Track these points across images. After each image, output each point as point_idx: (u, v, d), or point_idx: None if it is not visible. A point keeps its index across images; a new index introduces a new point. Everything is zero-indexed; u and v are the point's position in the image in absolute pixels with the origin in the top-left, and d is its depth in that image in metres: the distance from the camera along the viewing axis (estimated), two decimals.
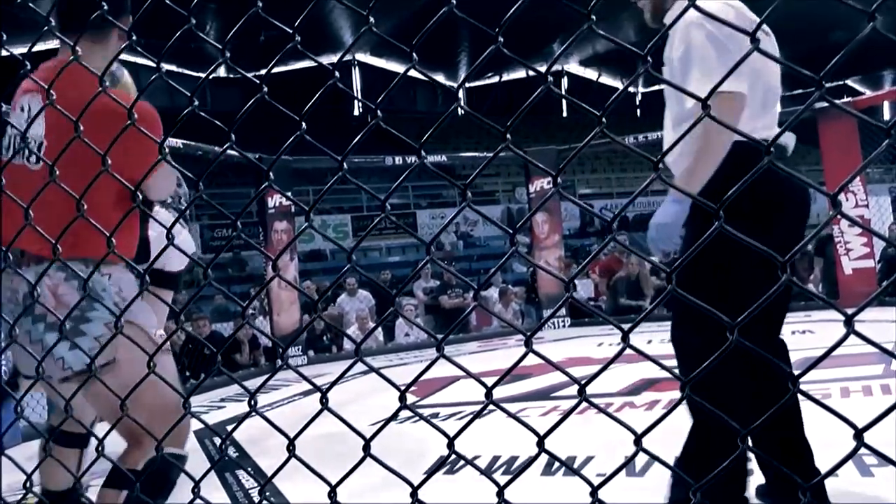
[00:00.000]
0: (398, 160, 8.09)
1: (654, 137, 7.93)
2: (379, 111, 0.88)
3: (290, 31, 0.96)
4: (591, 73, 24.30)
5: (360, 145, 0.97)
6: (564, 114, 24.51)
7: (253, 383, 6.16)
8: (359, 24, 16.98)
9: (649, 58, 0.77)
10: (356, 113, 22.39)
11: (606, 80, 24.25)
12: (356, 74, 22.72)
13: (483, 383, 0.85)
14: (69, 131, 1.26)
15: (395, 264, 13.09)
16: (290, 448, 0.95)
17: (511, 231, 0.86)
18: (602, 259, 9.00)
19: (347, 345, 7.71)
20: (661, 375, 4.12)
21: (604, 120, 0.77)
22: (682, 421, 1.56)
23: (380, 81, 21.57)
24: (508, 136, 0.81)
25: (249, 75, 1.21)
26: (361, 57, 21.78)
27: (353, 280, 8.66)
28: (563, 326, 8.15)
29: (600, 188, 18.74)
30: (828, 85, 0.66)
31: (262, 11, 0.99)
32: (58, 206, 1.32)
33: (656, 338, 6.28)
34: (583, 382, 0.81)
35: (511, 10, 0.81)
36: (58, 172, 1.28)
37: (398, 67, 20.94)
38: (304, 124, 0.95)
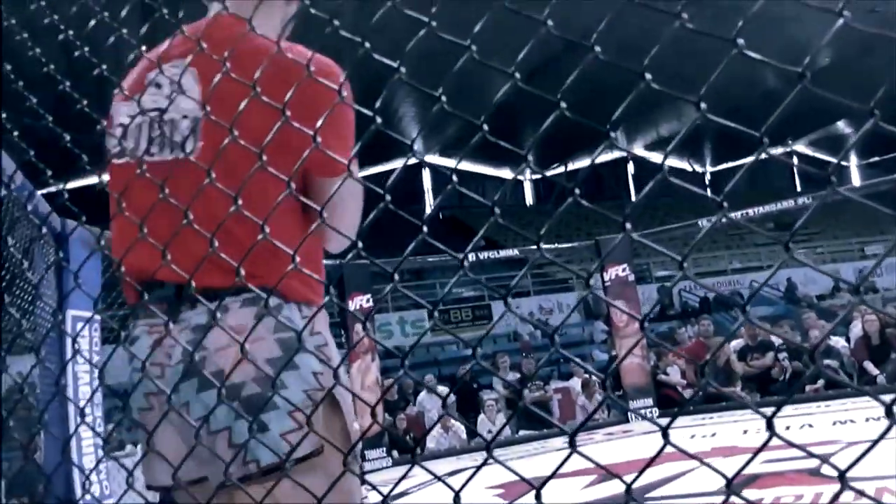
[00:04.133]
0: (471, 257, 8.26)
1: (724, 220, 7.80)
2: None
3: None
4: (656, 157, 24.36)
5: (435, 244, 1.02)
6: (633, 198, 24.45)
7: None
8: (427, 130, 17.77)
9: (702, 104, 0.78)
10: (427, 212, 23.03)
11: (672, 161, 24.24)
12: (426, 175, 23.55)
13: None
14: (236, 109, 1.00)
15: (472, 357, 13.01)
16: None
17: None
18: (687, 344, 8.72)
19: (430, 444, 7.63)
20: (763, 470, 3.89)
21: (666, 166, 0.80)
22: None
23: (449, 179, 22.34)
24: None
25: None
26: (431, 158, 22.62)
27: (431, 377, 8.66)
28: (652, 417, 7.84)
29: (677, 270, 18.33)
30: None
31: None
32: (218, 216, 1.00)
33: (752, 427, 5.96)
34: None
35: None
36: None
37: (467, 166, 21.63)
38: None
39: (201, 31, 1.15)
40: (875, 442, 0.66)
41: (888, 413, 0.64)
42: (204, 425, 1.01)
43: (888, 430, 0.64)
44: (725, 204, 0.73)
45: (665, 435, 0.75)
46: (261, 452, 1.00)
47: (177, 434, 1.06)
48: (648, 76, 0.78)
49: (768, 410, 0.70)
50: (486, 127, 0.87)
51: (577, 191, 0.81)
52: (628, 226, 0.78)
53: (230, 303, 1.05)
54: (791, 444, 0.68)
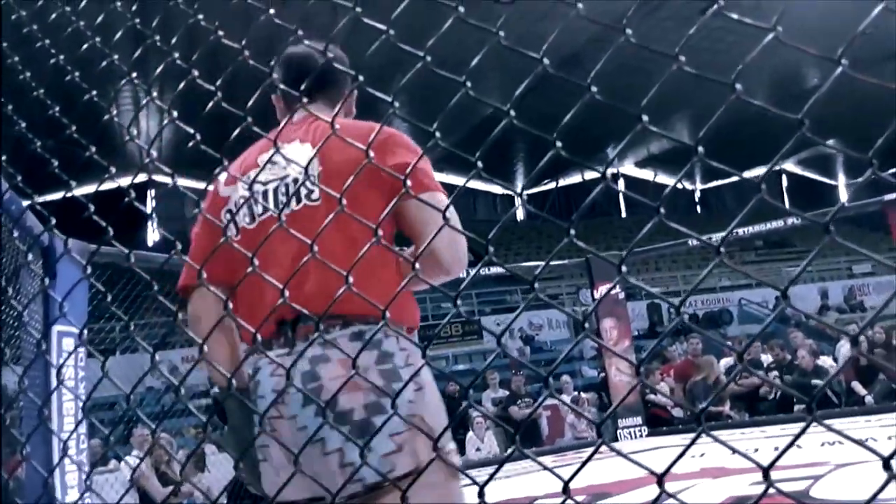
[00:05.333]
0: (461, 273, 8.23)
1: (717, 239, 7.85)
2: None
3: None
4: (647, 174, 24.48)
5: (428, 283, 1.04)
6: (623, 215, 24.56)
7: None
8: (423, 141, 17.77)
9: (700, 147, 0.78)
10: None
11: (663, 179, 24.37)
12: None
13: None
14: (344, 173, 1.21)
15: (462, 373, 12.96)
16: None
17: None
18: (676, 363, 8.73)
19: None
20: (751, 492, 3.88)
21: (662, 210, 0.80)
22: None
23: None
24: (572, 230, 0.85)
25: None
26: None
27: None
28: (641, 436, 7.81)
29: (667, 287, 18.38)
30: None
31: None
32: (330, 256, 1.10)
33: (741, 447, 5.92)
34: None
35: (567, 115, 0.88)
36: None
37: (458, 180, 21.64)
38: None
39: (294, 127, 1.42)
40: (874, 496, 0.65)
41: (886, 466, 0.63)
42: (319, 447, 1.16)
43: (886, 484, 0.63)
44: (723, 250, 0.73)
45: (660, 483, 0.74)
46: (365, 471, 1.11)
47: (290, 455, 1.14)
48: (645, 117, 0.78)
49: (765, 461, 0.70)
50: (480, 164, 0.87)
51: (572, 231, 0.80)
52: (624, 268, 0.77)
53: (339, 337, 1.21)
54: (793, 499, 0.68)
